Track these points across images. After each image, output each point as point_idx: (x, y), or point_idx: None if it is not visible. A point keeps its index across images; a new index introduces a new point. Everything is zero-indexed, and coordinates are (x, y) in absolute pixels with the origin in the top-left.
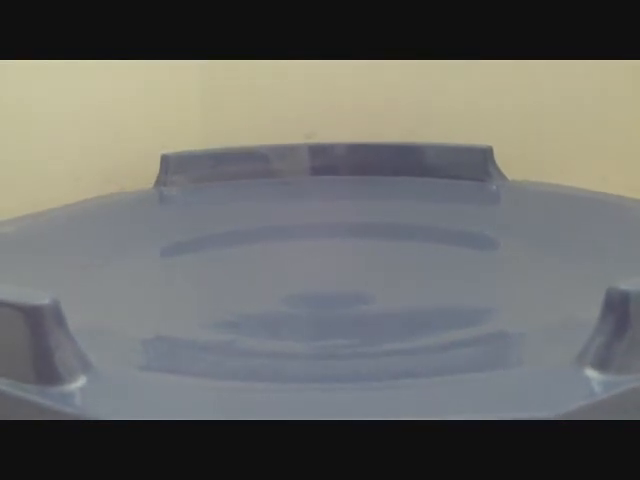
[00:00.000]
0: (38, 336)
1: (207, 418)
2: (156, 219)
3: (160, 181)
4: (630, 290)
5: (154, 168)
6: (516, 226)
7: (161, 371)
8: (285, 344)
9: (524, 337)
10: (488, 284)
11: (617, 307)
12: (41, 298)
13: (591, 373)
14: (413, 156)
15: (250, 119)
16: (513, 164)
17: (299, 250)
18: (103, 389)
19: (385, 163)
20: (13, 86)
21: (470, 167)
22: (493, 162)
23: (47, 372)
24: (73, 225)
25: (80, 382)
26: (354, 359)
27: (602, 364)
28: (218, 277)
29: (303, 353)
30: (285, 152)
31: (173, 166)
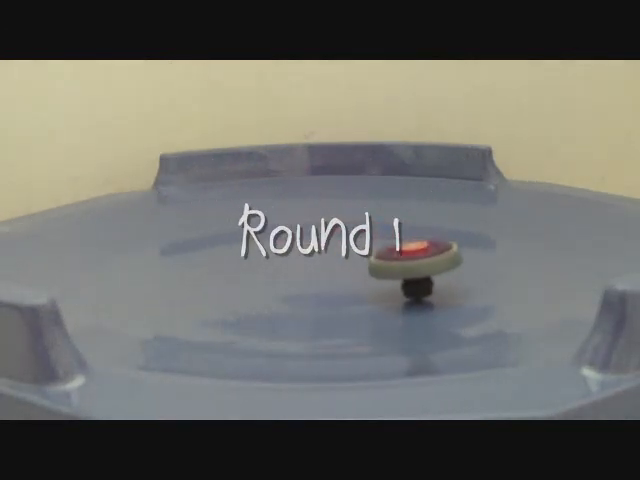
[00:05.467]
0: (35, 336)
1: (206, 418)
2: (155, 219)
3: (159, 181)
4: (627, 290)
5: (153, 168)
6: (514, 226)
7: (159, 371)
8: (285, 344)
9: (522, 337)
10: (486, 284)
11: (615, 307)
12: (38, 298)
13: (589, 372)
14: (412, 156)
15: (249, 119)
16: (512, 164)
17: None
18: (100, 389)
19: (384, 163)
20: (12, 86)
21: (469, 167)
22: (492, 162)
23: (44, 372)
24: (72, 225)
25: (77, 382)
26: (354, 359)
27: (600, 363)
28: (217, 277)
29: (303, 353)
30: (284, 152)
31: (172, 166)
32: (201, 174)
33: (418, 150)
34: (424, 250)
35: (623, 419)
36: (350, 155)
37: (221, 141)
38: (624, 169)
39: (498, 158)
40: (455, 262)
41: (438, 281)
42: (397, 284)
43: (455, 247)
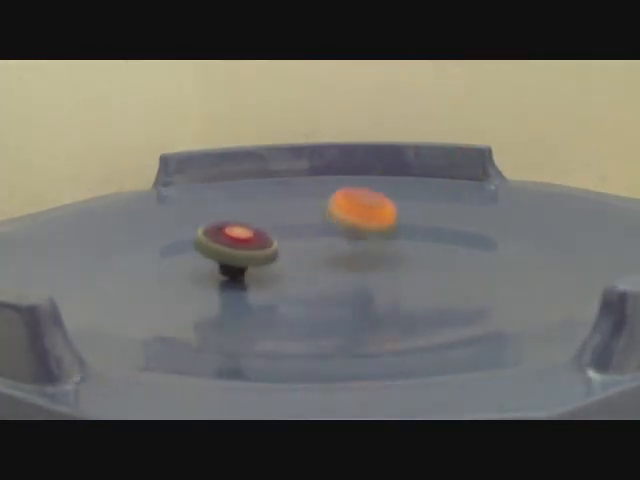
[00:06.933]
0: (34, 336)
1: (205, 418)
2: (155, 219)
3: (159, 181)
4: (627, 290)
5: (153, 168)
6: (515, 226)
7: (158, 371)
8: (285, 344)
9: (522, 337)
10: (486, 284)
11: (614, 307)
12: (37, 298)
13: (589, 373)
14: (412, 156)
15: (249, 119)
16: (512, 164)
17: (298, 250)
18: (99, 389)
19: (384, 163)
20: (13, 86)
21: (469, 167)
22: (492, 162)
23: (43, 372)
24: (72, 225)
25: (77, 382)
26: (353, 359)
27: (600, 364)
28: (217, 277)
29: (303, 353)
30: (284, 152)
31: (172, 166)
32: (201, 174)
33: (418, 150)
34: (246, 241)
35: (623, 419)
36: (350, 155)
37: (221, 141)
38: (624, 169)
39: (498, 158)
40: (270, 259)
41: None
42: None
43: (275, 245)
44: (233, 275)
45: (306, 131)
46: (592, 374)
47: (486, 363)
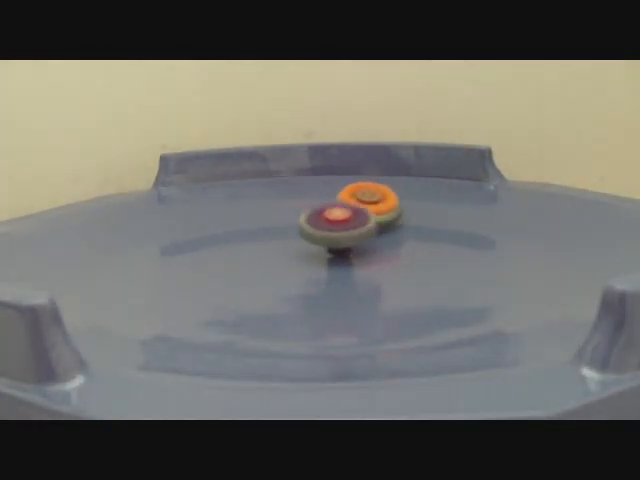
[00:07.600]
0: (34, 335)
1: (205, 418)
2: (155, 219)
3: (159, 181)
4: (627, 289)
5: (153, 168)
6: (514, 226)
7: (159, 371)
8: (285, 344)
9: (521, 337)
10: (486, 284)
11: (614, 307)
12: (38, 298)
13: (589, 372)
14: (412, 156)
15: (250, 119)
16: (512, 164)
17: (298, 250)
18: (100, 389)
19: (384, 163)
20: (13, 86)
21: (468, 167)
22: (491, 162)
23: (43, 371)
24: (73, 225)
25: (77, 382)
26: (354, 359)
27: (599, 363)
28: (218, 277)
29: (303, 353)
30: (284, 152)
31: (172, 166)
32: (201, 174)
33: (418, 150)
34: (347, 220)
35: (623, 419)
36: (350, 155)
37: (221, 141)
38: (624, 169)
39: (498, 158)
40: (373, 234)
41: None
42: None
43: (372, 221)
44: (339, 253)
45: (306, 131)
46: (592, 374)
47: (486, 363)
